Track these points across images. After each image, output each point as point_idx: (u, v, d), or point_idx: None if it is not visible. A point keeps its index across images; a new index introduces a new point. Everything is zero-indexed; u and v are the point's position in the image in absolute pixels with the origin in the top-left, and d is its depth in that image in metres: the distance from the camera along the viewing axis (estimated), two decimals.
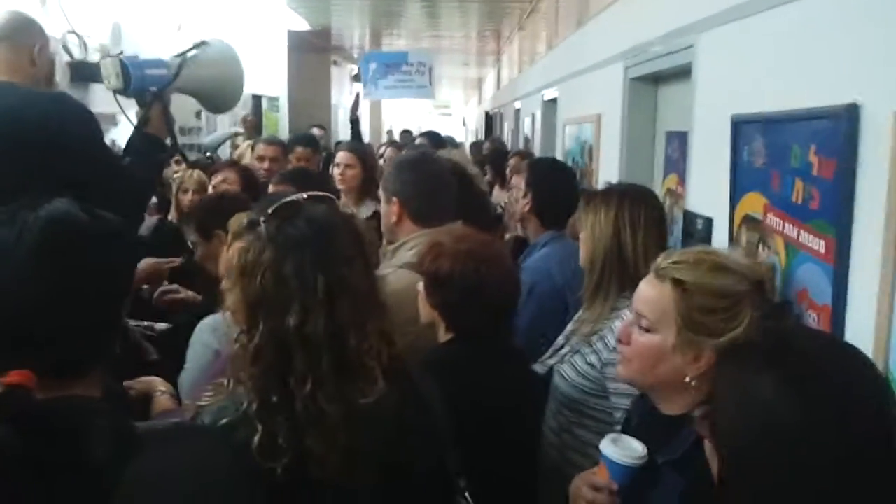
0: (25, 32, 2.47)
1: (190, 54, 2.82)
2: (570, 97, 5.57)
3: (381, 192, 2.52)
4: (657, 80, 3.64)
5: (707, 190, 2.63)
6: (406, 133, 10.39)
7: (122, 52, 2.76)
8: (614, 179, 3.71)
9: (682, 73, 3.06)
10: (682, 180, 3.13)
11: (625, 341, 1.54)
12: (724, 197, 2.32)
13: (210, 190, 3.59)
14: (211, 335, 2.08)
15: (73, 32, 4.12)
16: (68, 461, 1.00)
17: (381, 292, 1.51)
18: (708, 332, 1.40)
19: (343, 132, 14.49)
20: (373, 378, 1.38)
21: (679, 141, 3.24)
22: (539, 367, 2.24)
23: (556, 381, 2.14)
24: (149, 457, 1.06)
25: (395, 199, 2.39)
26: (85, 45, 4.22)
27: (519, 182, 3.10)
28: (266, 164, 4.39)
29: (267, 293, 1.35)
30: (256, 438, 1.29)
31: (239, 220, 2.25)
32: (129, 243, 1.30)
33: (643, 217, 2.11)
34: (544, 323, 2.50)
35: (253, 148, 4.71)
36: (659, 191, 3.40)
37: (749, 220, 2.17)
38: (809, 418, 1.02)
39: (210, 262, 2.63)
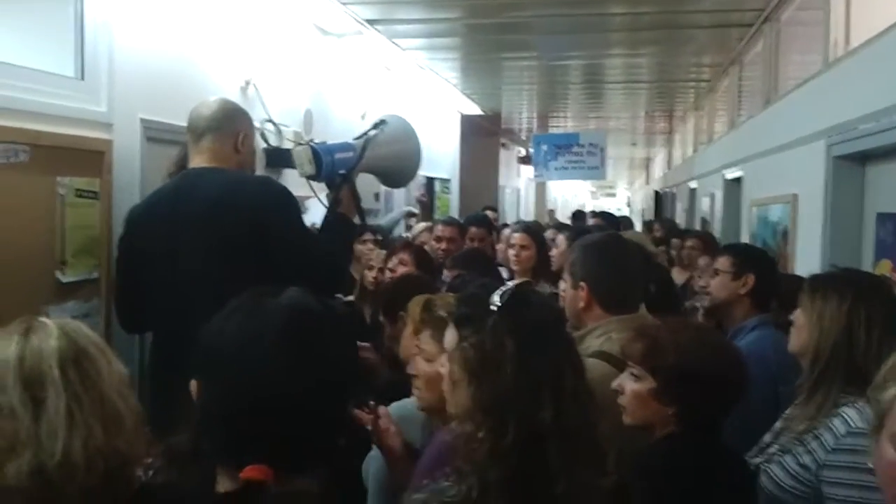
0: (231, 122, 2.63)
1: (371, 134, 2.91)
2: (759, 177, 5.30)
3: (566, 276, 2.42)
4: (865, 158, 3.37)
5: None
6: (579, 214, 10.30)
7: (312, 140, 2.88)
8: (815, 263, 3.48)
9: None
10: None
11: None
12: None
13: (387, 272, 3.65)
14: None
15: (270, 121, 4.38)
16: None
17: None
18: None
19: (510, 213, 14.65)
20: (609, 460, 1.32)
21: (894, 223, 2.95)
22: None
23: (763, 482, 1.95)
24: None
25: (583, 283, 2.26)
26: (280, 132, 4.47)
27: (708, 265, 2.94)
28: (443, 245, 4.44)
29: (515, 386, 1.29)
30: None
31: (417, 303, 2.24)
32: (353, 331, 1.28)
33: (881, 314, 1.89)
34: (753, 413, 2.28)
35: (432, 229, 4.78)
36: None
37: None
38: None
39: (396, 344, 2.62)
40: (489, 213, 7.07)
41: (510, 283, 1.44)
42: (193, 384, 1.08)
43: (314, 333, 1.06)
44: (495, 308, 1.37)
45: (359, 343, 2.85)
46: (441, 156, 9.27)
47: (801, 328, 2.01)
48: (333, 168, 2.76)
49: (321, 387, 1.05)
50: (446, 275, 3.50)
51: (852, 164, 3.42)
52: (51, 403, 1.17)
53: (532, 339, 1.32)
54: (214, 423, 1.04)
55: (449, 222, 4.78)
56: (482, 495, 1.26)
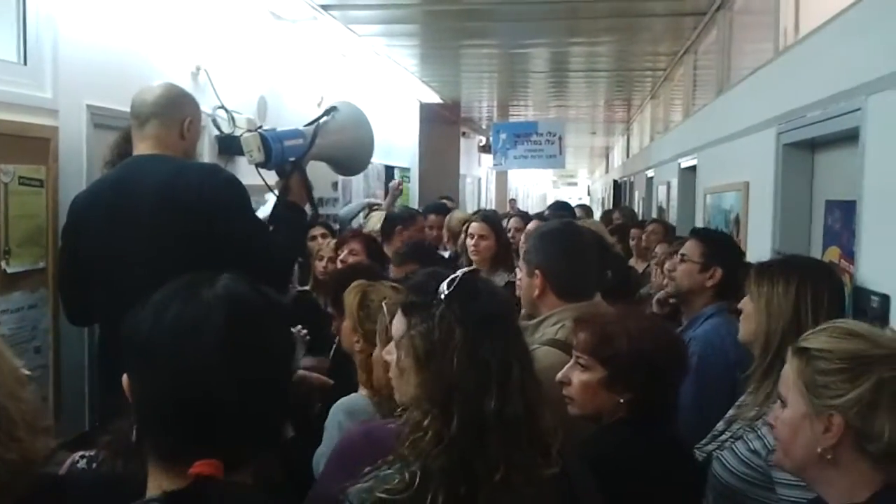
0: (176, 107, 2.58)
1: (322, 121, 2.87)
2: (712, 165, 5.36)
3: (521, 264, 2.43)
4: (814, 145, 3.41)
5: (882, 265, 2.39)
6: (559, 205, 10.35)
7: (260, 126, 2.84)
8: (766, 250, 3.51)
9: (846, 138, 2.84)
10: (845, 253, 2.88)
11: (773, 424, 1.49)
12: None
13: (338, 262, 3.63)
14: (346, 418, 2.03)
15: (223, 107, 4.32)
16: None
17: None
18: (830, 394, 1.35)
19: (471, 203, 14.66)
20: (553, 454, 1.33)
21: (842, 210, 3.00)
22: (696, 454, 2.07)
23: (716, 469, 1.97)
24: None
25: (537, 271, 2.27)
26: (233, 119, 4.41)
27: (665, 252, 2.94)
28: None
29: (462, 376, 1.29)
30: None
31: (355, 291, 2.22)
32: (289, 321, 1.25)
33: (826, 297, 1.92)
34: (709, 401, 2.31)
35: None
36: None
37: None
38: None
39: None
40: (446, 202, 7.07)
41: (459, 272, 1.43)
42: (125, 379, 1.03)
43: (253, 324, 1.03)
44: (443, 297, 1.35)
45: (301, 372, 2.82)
46: (400, 144, 9.23)
47: (749, 316, 2.03)
48: (283, 155, 2.72)
49: (265, 376, 1.02)
50: (400, 273, 3.45)
51: (802, 151, 3.47)
52: None
53: (480, 329, 1.32)
54: (152, 420, 1.01)
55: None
56: (423, 483, 1.25)
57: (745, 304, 2.06)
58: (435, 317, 1.34)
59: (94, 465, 1.50)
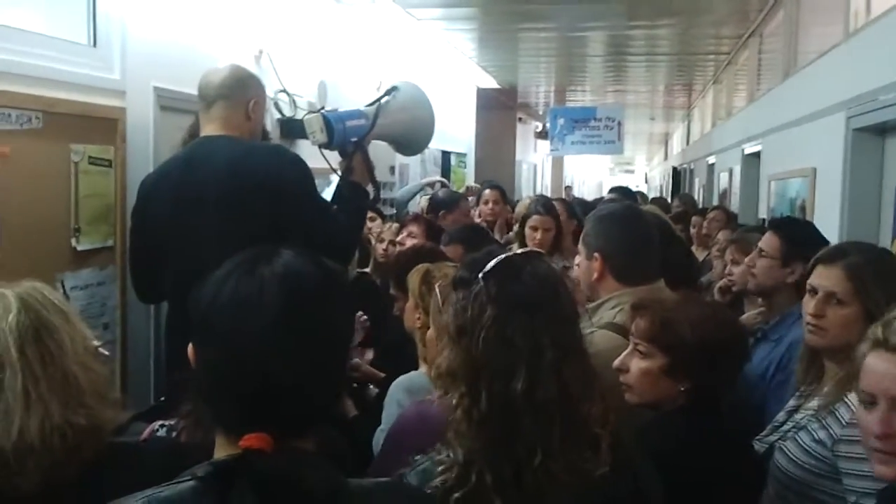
0: (242, 89, 2.62)
1: (383, 101, 2.88)
2: (777, 151, 5.24)
3: (580, 247, 2.40)
4: (884, 130, 3.31)
5: None
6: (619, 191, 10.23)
7: (323, 108, 2.86)
8: (833, 239, 3.41)
9: None
10: None
11: (873, 431, 1.37)
12: None
13: (397, 245, 3.65)
14: (406, 396, 2.04)
15: (284, 91, 4.37)
16: None
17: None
18: None
19: (526, 189, 14.58)
20: (603, 447, 1.29)
21: None
22: (757, 446, 2.03)
23: (778, 460, 1.92)
24: None
25: (597, 254, 2.24)
26: (294, 102, 4.45)
27: (728, 239, 2.82)
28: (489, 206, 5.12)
29: (490, 355, 1.28)
30: None
31: (416, 274, 2.23)
32: (350, 294, 1.27)
33: None
34: None
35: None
36: None
37: None
38: None
39: None
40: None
41: (513, 251, 1.43)
42: (190, 349, 1.06)
43: (310, 299, 1.04)
44: (481, 276, 1.35)
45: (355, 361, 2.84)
46: (457, 129, 9.22)
47: (847, 322, 1.89)
48: (345, 136, 2.75)
49: (319, 353, 1.03)
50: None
51: (872, 136, 3.37)
52: (7, 384, 1.18)
53: (512, 310, 1.30)
54: (211, 391, 1.03)
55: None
56: (466, 466, 1.26)
57: (835, 312, 1.92)
58: (471, 294, 1.34)
59: (174, 433, 1.56)
